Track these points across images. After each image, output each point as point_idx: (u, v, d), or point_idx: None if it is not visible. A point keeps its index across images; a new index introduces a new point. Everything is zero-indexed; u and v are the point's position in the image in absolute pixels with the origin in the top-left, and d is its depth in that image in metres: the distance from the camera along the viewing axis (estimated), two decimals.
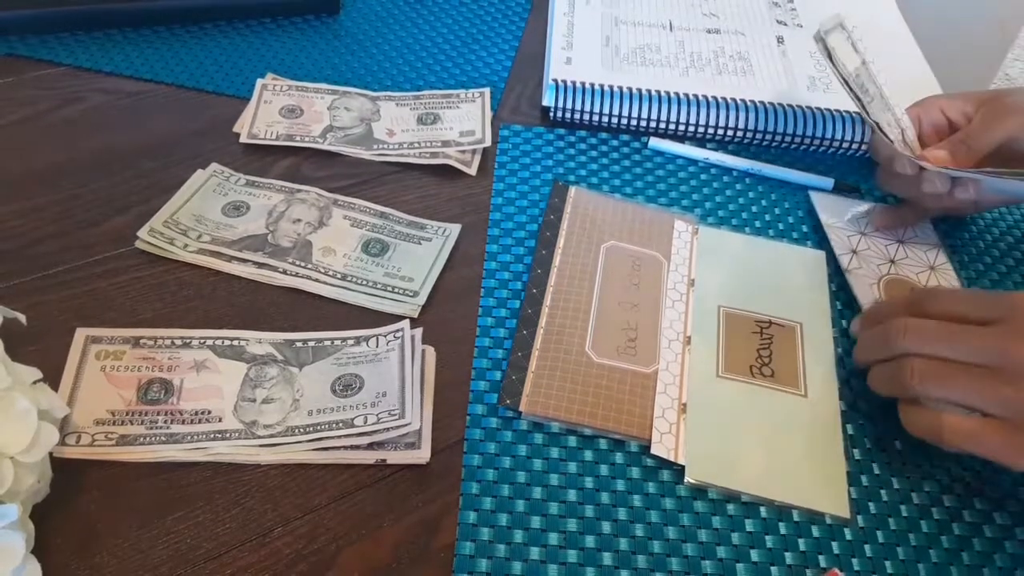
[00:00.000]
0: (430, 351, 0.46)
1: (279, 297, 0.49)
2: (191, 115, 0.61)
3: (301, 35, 0.70)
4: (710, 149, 0.63)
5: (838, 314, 0.51)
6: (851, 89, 0.54)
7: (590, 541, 0.40)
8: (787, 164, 0.62)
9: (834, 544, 0.41)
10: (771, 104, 0.63)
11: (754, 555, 0.40)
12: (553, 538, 0.40)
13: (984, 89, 0.58)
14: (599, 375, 0.46)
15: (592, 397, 0.45)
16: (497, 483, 0.41)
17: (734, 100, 0.62)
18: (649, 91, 0.63)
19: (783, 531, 0.41)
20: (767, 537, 0.41)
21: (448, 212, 0.55)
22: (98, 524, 0.38)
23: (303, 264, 0.50)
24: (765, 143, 0.64)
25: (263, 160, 0.57)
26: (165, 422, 0.41)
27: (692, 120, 0.63)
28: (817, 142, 0.63)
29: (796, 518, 0.42)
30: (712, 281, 0.52)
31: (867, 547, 0.41)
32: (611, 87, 0.62)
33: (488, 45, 0.71)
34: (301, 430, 0.41)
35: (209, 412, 0.42)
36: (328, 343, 0.46)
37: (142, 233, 0.50)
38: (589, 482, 0.42)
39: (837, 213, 0.58)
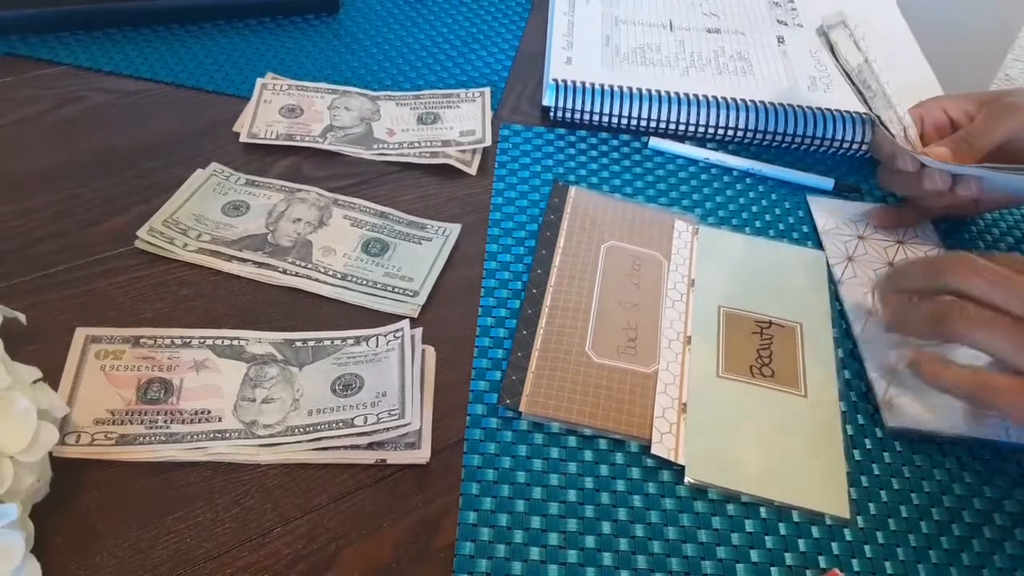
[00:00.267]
0: (430, 351, 0.46)
1: (279, 297, 0.49)
2: (191, 115, 0.60)
3: (301, 35, 0.69)
4: (710, 149, 0.63)
5: (838, 315, 0.51)
6: (853, 83, 0.54)
7: (590, 541, 0.40)
8: (787, 164, 0.62)
9: (834, 545, 0.41)
10: (771, 104, 0.63)
11: (754, 555, 0.40)
12: (553, 538, 0.40)
13: (984, 90, 0.58)
14: (599, 375, 0.46)
15: (592, 397, 0.45)
16: (497, 483, 0.41)
17: (734, 100, 0.62)
18: (649, 91, 0.63)
19: (783, 531, 0.41)
20: (767, 537, 0.41)
21: (448, 212, 0.55)
22: (98, 524, 0.38)
23: (303, 264, 0.50)
24: (765, 143, 0.63)
25: (263, 160, 0.57)
26: (165, 422, 0.41)
27: (692, 120, 0.63)
28: (818, 142, 0.63)
29: (796, 518, 0.42)
30: (712, 281, 0.52)
31: (867, 548, 0.41)
32: (611, 87, 0.62)
33: (488, 45, 0.71)
34: (301, 430, 0.41)
35: (209, 412, 0.42)
36: (328, 343, 0.46)
37: (142, 233, 0.50)
38: (589, 482, 0.42)
39: (835, 217, 0.58)
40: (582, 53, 0.67)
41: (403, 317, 0.48)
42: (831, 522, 0.42)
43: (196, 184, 0.54)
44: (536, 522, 0.40)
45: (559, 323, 0.48)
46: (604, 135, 0.63)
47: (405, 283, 0.50)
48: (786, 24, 0.74)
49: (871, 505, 0.43)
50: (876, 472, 0.44)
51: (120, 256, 0.50)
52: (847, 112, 0.62)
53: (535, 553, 0.39)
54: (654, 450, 0.43)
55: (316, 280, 0.49)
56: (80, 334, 0.45)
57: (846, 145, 0.62)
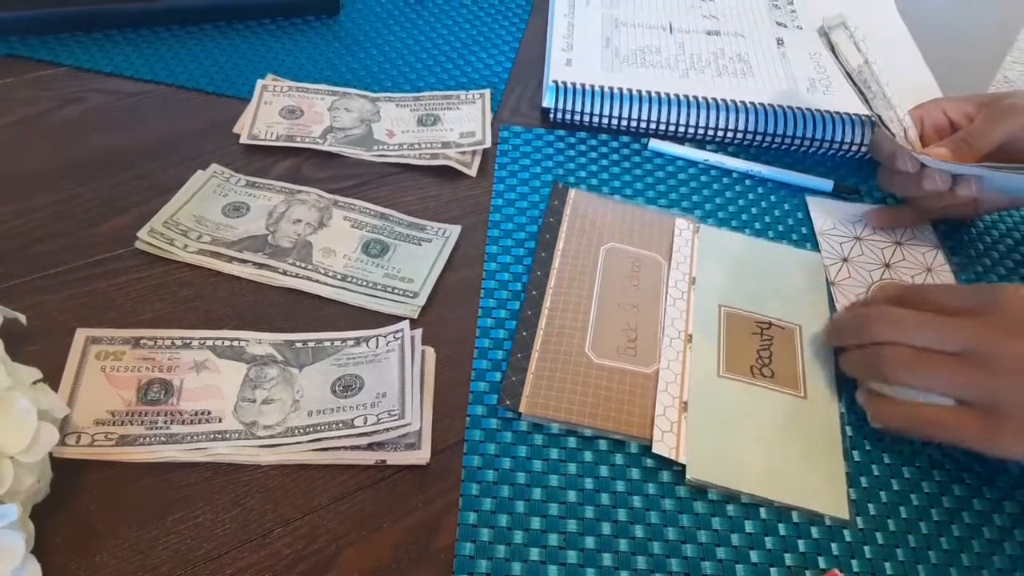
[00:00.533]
0: (430, 352, 0.46)
1: (279, 298, 0.49)
2: (191, 116, 0.61)
3: (301, 36, 0.70)
4: (710, 151, 0.63)
5: None
6: (854, 82, 0.54)
7: (590, 542, 0.40)
8: (787, 166, 0.62)
9: (834, 545, 0.41)
10: (771, 106, 0.63)
11: (754, 556, 0.40)
12: (553, 539, 0.40)
13: (983, 91, 0.58)
14: (599, 376, 0.46)
15: (592, 398, 0.45)
16: (497, 484, 0.41)
17: (734, 102, 0.63)
18: (649, 93, 0.63)
19: (783, 532, 0.41)
20: (767, 538, 0.41)
21: (448, 213, 0.55)
22: (98, 524, 0.38)
23: (303, 265, 0.50)
24: (765, 145, 0.64)
25: (263, 161, 0.57)
26: (165, 422, 0.41)
27: (692, 122, 0.63)
28: (817, 144, 0.63)
29: (796, 519, 0.42)
30: (713, 280, 0.52)
31: (867, 548, 0.41)
32: (611, 89, 0.62)
33: (488, 46, 0.71)
34: (301, 430, 0.41)
35: (209, 412, 0.42)
36: (328, 344, 0.46)
37: (142, 233, 0.50)
38: (589, 483, 0.42)
39: (833, 218, 0.58)
40: (582, 55, 0.67)
41: (403, 318, 0.48)
42: (831, 523, 0.42)
43: (196, 185, 0.54)
44: (536, 523, 0.40)
45: (559, 324, 0.48)
46: (604, 137, 0.63)
47: (405, 284, 0.50)
48: (785, 26, 0.74)
49: (871, 506, 0.43)
50: (875, 473, 0.44)
51: (120, 257, 0.50)
52: (846, 114, 0.62)
53: (535, 554, 0.39)
54: (655, 448, 0.43)
55: (316, 281, 0.49)
56: (80, 335, 0.45)
57: (845, 147, 0.63)
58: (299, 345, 0.46)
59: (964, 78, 1.33)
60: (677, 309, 0.50)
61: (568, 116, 0.63)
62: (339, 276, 0.50)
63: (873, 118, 0.54)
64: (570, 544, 0.40)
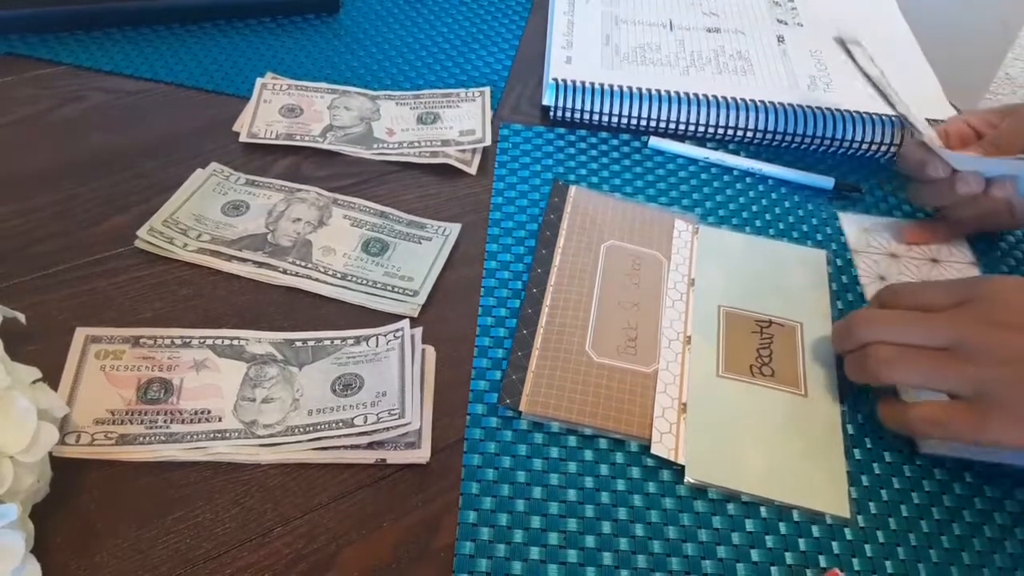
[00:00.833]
0: (430, 351, 0.46)
1: (279, 297, 0.49)
2: (191, 114, 0.60)
3: (301, 34, 0.69)
4: (710, 148, 0.62)
5: (838, 314, 0.51)
6: (875, 86, 0.54)
7: (590, 541, 0.40)
8: (787, 164, 0.61)
9: (834, 544, 0.41)
10: (771, 103, 0.62)
11: (754, 555, 0.40)
12: (553, 538, 0.40)
13: (985, 88, 0.58)
14: (599, 375, 0.46)
15: (592, 397, 0.45)
16: (497, 483, 0.41)
17: (734, 99, 0.62)
18: (649, 90, 0.63)
19: (783, 531, 0.41)
20: (767, 537, 0.41)
21: (448, 211, 0.55)
22: (98, 524, 0.38)
23: (303, 263, 0.50)
24: (765, 142, 0.63)
25: (263, 159, 0.57)
26: (165, 422, 0.41)
27: (692, 119, 0.63)
28: (818, 141, 0.63)
29: (796, 518, 0.42)
30: (712, 281, 0.52)
31: (867, 547, 0.41)
32: (611, 86, 0.62)
33: (488, 44, 0.71)
34: (301, 430, 0.41)
35: (209, 412, 0.42)
36: (328, 343, 0.46)
37: (142, 232, 0.50)
38: (589, 482, 0.42)
39: (867, 233, 0.57)
40: (582, 52, 0.67)
41: (403, 317, 0.48)
42: (831, 521, 0.42)
43: (196, 184, 0.54)
44: (536, 522, 0.40)
45: (559, 322, 0.48)
46: (604, 134, 0.63)
47: (405, 283, 0.50)
48: (786, 23, 0.74)
49: (871, 504, 0.43)
50: (876, 471, 0.44)
51: (120, 256, 0.50)
52: (847, 111, 0.62)
53: (535, 553, 0.39)
54: (654, 450, 0.43)
55: (316, 280, 0.49)
56: (80, 334, 0.45)
57: (846, 144, 0.62)
58: (299, 344, 0.46)
59: (965, 76, 1.32)
60: (676, 311, 0.50)
61: (568, 114, 0.63)
62: (339, 275, 0.50)
63: (898, 118, 0.53)
64: (570, 543, 0.40)
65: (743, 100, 0.62)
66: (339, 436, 0.41)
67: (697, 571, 0.39)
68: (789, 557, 0.40)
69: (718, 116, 0.62)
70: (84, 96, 0.61)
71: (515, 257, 0.53)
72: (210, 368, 0.44)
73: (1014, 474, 0.44)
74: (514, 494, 0.41)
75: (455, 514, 0.40)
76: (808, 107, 0.62)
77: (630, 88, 0.62)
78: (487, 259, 0.52)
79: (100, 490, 0.39)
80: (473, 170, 0.59)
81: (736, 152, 0.63)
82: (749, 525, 0.41)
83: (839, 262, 0.55)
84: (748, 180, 0.61)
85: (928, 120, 0.58)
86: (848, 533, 0.41)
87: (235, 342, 0.45)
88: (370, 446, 0.41)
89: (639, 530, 0.40)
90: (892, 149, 0.62)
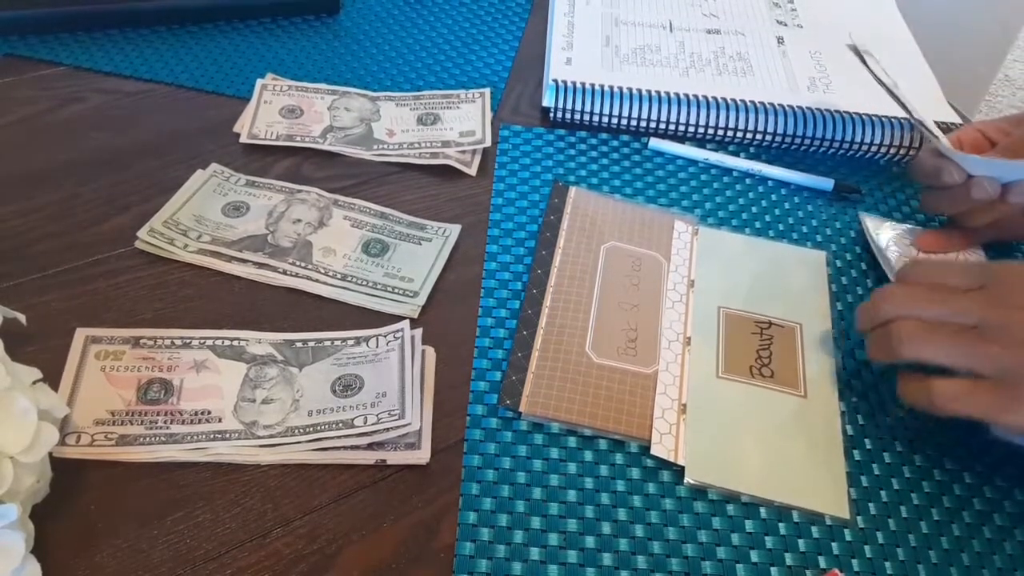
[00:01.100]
0: (430, 351, 0.46)
1: (279, 297, 0.49)
2: (191, 115, 0.61)
3: (301, 35, 0.70)
4: (710, 150, 0.63)
5: (838, 315, 0.51)
6: (891, 94, 0.53)
7: (590, 541, 0.40)
8: (787, 165, 0.62)
9: (834, 545, 0.41)
10: (771, 104, 0.63)
11: (754, 556, 0.40)
12: (553, 538, 0.40)
13: (985, 89, 0.58)
14: (599, 375, 0.46)
15: (592, 398, 0.45)
16: (497, 483, 0.41)
17: (734, 100, 0.62)
18: (649, 91, 0.63)
19: (783, 532, 0.41)
20: (767, 538, 0.41)
21: (448, 212, 0.55)
22: (98, 524, 0.38)
23: (303, 264, 0.50)
24: (765, 144, 0.64)
25: (263, 160, 0.57)
26: (165, 422, 0.41)
27: (692, 120, 0.63)
28: (817, 143, 0.63)
29: (796, 519, 0.42)
30: (712, 282, 0.52)
31: (867, 548, 0.41)
32: (611, 87, 0.62)
33: (488, 45, 0.71)
34: (301, 430, 0.41)
35: (209, 412, 0.42)
36: (328, 343, 0.46)
37: (142, 233, 0.50)
38: (589, 483, 0.42)
39: (886, 236, 0.56)
40: (582, 54, 0.67)
41: (403, 318, 0.48)
42: (831, 522, 0.42)
43: (196, 185, 0.54)
44: (536, 522, 0.40)
45: (559, 323, 0.48)
46: (604, 136, 0.63)
47: (405, 284, 0.50)
48: (786, 25, 0.74)
49: (871, 505, 0.43)
50: (876, 472, 0.44)
51: (120, 256, 0.50)
52: (847, 112, 0.62)
53: (535, 553, 0.39)
54: (654, 451, 0.43)
55: (316, 281, 0.49)
56: (80, 334, 0.45)
57: (846, 146, 0.62)
58: (299, 345, 0.46)
59: (965, 77, 1.33)
60: (676, 312, 0.50)
61: (568, 115, 0.63)
62: (339, 276, 0.50)
63: (910, 124, 0.53)
64: (570, 544, 0.40)
65: (743, 101, 0.62)
66: (339, 437, 0.41)
67: (697, 572, 0.39)
68: (789, 558, 0.40)
69: (718, 117, 0.63)
70: (84, 97, 0.61)
71: (515, 258, 0.53)
72: (210, 369, 0.44)
73: (1014, 475, 0.45)
74: (514, 495, 0.41)
75: (455, 515, 0.40)
76: (808, 108, 0.62)
77: (630, 89, 0.62)
78: (487, 260, 0.53)
79: (100, 490, 0.39)
80: (473, 171, 0.59)
81: (736, 153, 0.63)
82: (749, 526, 0.41)
83: (839, 263, 0.55)
84: (748, 181, 0.61)
85: (935, 124, 0.58)
86: (848, 534, 0.41)
87: (235, 343, 0.45)
88: (370, 447, 0.41)
89: (639, 531, 0.40)
90: (892, 151, 0.62)
